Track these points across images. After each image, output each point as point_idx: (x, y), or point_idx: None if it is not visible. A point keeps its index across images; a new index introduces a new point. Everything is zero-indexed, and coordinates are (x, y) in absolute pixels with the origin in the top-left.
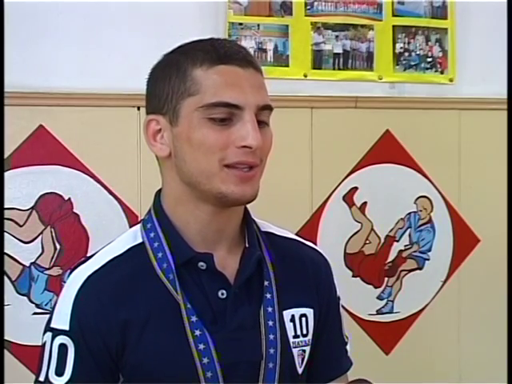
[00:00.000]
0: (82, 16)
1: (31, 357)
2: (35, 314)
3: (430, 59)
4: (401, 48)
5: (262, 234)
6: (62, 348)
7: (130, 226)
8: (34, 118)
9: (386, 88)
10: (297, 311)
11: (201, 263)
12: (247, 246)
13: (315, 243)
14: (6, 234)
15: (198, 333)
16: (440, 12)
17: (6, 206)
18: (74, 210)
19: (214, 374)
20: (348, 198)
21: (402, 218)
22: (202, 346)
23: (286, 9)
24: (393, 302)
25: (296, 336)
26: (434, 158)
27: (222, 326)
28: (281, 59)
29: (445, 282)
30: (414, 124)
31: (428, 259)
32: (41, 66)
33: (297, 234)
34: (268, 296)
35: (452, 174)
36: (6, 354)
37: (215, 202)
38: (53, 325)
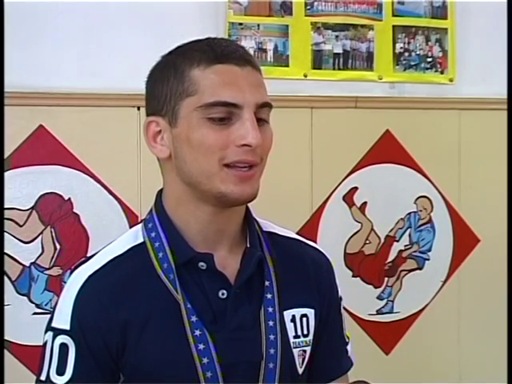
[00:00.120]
0: (82, 16)
1: (31, 357)
2: (35, 314)
3: (429, 59)
4: (401, 48)
5: (264, 234)
6: (63, 347)
7: (130, 226)
8: (34, 118)
9: (386, 88)
10: (298, 311)
11: (201, 263)
12: (248, 246)
13: (315, 243)
14: (6, 233)
15: (197, 333)
16: (440, 12)
17: (6, 206)
18: (74, 210)
19: (214, 374)
20: (348, 198)
21: (402, 218)
22: (201, 346)
23: (286, 9)
24: (393, 301)
25: (296, 336)
26: (434, 158)
27: (222, 326)
28: (281, 59)
29: (445, 282)
30: (414, 124)
31: (428, 259)
32: (41, 66)
33: (297, 234)
34: (268, 296)
35: (452, 174)
36: (6, 353)
37: (215, 203)
38: (54, 324)
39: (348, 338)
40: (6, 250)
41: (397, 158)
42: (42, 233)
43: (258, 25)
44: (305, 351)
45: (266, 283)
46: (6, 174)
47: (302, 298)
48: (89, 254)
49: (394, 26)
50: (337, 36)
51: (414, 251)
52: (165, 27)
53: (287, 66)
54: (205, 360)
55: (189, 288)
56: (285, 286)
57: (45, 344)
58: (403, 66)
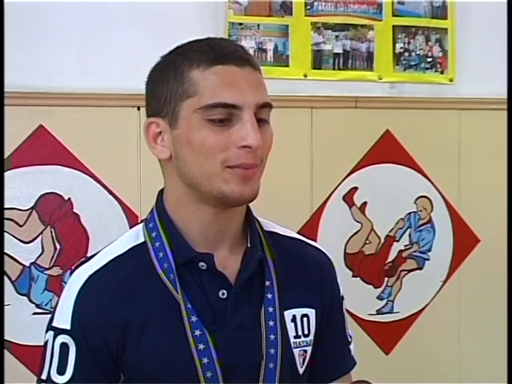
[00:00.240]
0: (82, 16)
1: (31, 357)
2: (35, 314)
3: (429, 59)
4: (401, 48)
5: (265, 234)
6: (64, 347)
7: (130, 226)
8: (34, 117)
9: (386, 88)
10: (298, 311)
11: (201, 263)
12: (249, 245)
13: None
14: (6, 233)
15: (197, 333)
16: (440, 12)
17: (6, 206)
18: (74, 210)
19: (214, 374)
20: (348, 198)
21: (402, 218)
22: (201, 346)
23: (286, 9)
24: (393, 301)
25: (297, 336)
26: (434, 158)
27: (222, 325)
28: (281, 59)
29: (445, 282)
30: (414, 124)
31: (428, 259)
32: (41, 66)
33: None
34: (269, 296)
35: (452, 174)
36: (6, 354)
37: (216, 203)
38: (54, 324)
39: (351, 337)
40: (6, 250)
41: (397, 158)
42: (41, 233)
43: (258, 25)
44: (305, 351)
45: (267, 283)
46: (6, 174)
47: (302, 298)
48: (89, 254)
49: (394, 26)
50: (337, 36)
51: (414, 251)
52: (165, 27)
53: (287, 66)
54: (205, 360)
55: (189, 288)
56: (285, 285)
57: (45, 343)
58: (403, 66)
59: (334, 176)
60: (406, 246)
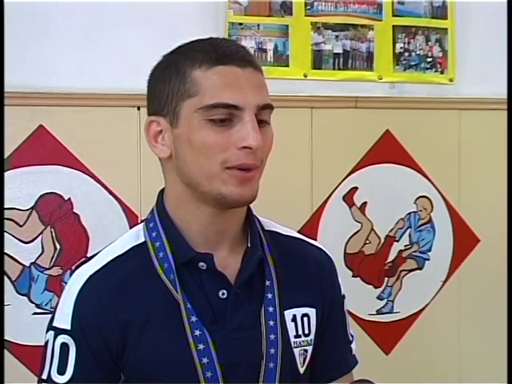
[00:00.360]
0: (82, 16)
1: (31, 357)
2: (35, 314)
3: (429, 59)
4: (401, 48)
5: (266, 233)
6: (64, 347)
7: (130, 226)
8: (34, 117)
9: (386, 88)
10: (298, 311)
11: (201, 263)
12: (249, 245)
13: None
14: (6, 233)
15: (197, 333)
16: (440, 12)
17: (6, 206)
18: (74, 210)
19: (214, 374)
20: (348, 198)
21: (402, 218)
22: (201, 346)
23: (286, 9)
24: (393, 302)
25: (297, 336)
26: (434, 158)
27: (222, 325)
28: (281, 59)
29: (445, 282)
30: (414, 124)
31: (428, 259)
32: (41, 66)
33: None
34: (269, 296)
35: (452, 174)
36: (6, 354)
37: (215, 204)
38: (55, 324)
39: (352, 336)
40: (6, 250)
41: (397, 158)
42: (42, 233)
43: (258, 25)
44: (306, 351)
45: (267, 283)
46: (6, 174)
47: (303, 298)
48: (89, 254)
49: (394, 26)
50: (337, 36)
51: (414, 251)
52: (165, 27)
53: (287, 66)
54: (205, 360)
55: (189, 288)
56: (286, 285)
57: (46, 343)
58: (403, 66)
59: (334, 176)
60: (405, 245)
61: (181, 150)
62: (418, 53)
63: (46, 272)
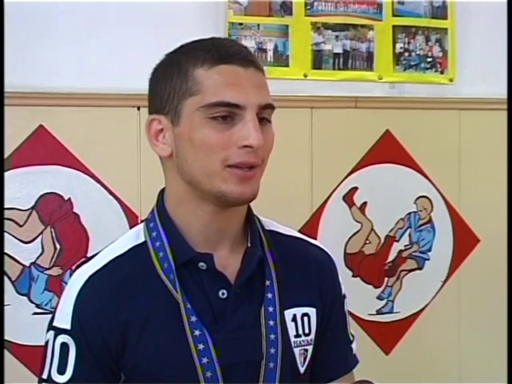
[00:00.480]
0: (82, 16)
1: (31, 357)
2: (35, 314)
3: (430, 59)
4: (401, 48)
5: (266, 233)
6: (64, 347)
7: (130, 226)
8: (34, 117)
9: (386, 88)
10: (299, 310)
11: (201, 263)
12: (249, 245)
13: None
14: (6, 233)
15: (197, 333)
16: (440, 12)
17: (6, 206)
18: (74, 210)
19: (214, 374)
20: (348, 198)
21: (402, 218)
22: (201, 346)
23: (286, 9)
24: (393, 302)
25: (298, 335)
26: (434, 158)
27: (222, 325)
28: (281, 59)
29: (445, 282)
30: (414, 124)
31: (428, 259)
32: (41, 66)
33: None
34: (269, 296)
35: (452, 174)
36: (6, 354)
37: (215, 202)
38: (55, 323)
39: (353, 336)
40: (6, 250)
41: (397, 158)
42: (41, 233)
43: (258, 25)
44: (306, 350)
45: (267, 283)
46: (6, 174)
47: (303, 298)
48: (89, 254)
49: (394, 26)
50: (337, 36)
51: (414, 251)
52: (165, 27)
53: (287, 66)
54: (204, 360)
55: (189, 288)
56: (286, 285)
57: (46, 343)
58: (403, 66)
59: (334, 176)
60: (405, 246)
61: (182, 149)
62: (418, 53)
63: (46, 272)
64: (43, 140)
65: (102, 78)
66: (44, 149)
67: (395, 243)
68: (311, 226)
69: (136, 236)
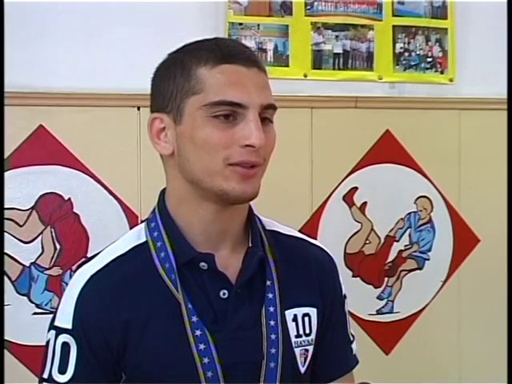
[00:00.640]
0: (82, 16)
1: (31, 357)
2: (35, 314)
3: (430, 59)
4: (401, 48)
5: (267, 233)
6: (65, 346)
7: (131, 226)
8: (34, 118)
9: (386, 88)
10: (299, 311)
11: (202, 263)
12: (250, 245)
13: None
14: (6, 233)
15: (198, 333)
16: (440, 12)
17: (6, 206)
18: (74, 210)
19: (215, 374)
20: (348, 198)
21: (402, 218)
22: (202, 346)
23: (286, 9)
24: (393, 302)
25: (298, 335)
26: (434, 158)
27: (223, 325)
28: (281, 59)
29: (445, 282)
30: (414, 124)
31: (428, 259)
32: (41, 66)
33: None
34: (270, 296)
35: (452, 174)
36: (6, 354)
37: (217, 200)
38: (56, 323)
39: (353, 336)
40: (6, 250)
41: (397, 158)
42: (41, 233)
43: (258, 25)
44: (307, 350)
45: (268, 283)
46: (6, 174)
47: (304, 298)
48: (89, 254)
49: (394, 26)
50: (337, 36)
51: (414, 251)
52: (165, 27)
53: (287, 66)
54: (205, 360)
55: (190, 288)
56: (287, 285)
57: (47, 342)
58: (403, 66)
59: (334, 176)
60: (405, 246)
61: (183, 147)
62: (418, 53)
63: (45, 272)
64: (43, 140)
65: (101, 78)
66: (44, 149)
67: (395, 243)
68: (311, 226)
69: (137, 236)
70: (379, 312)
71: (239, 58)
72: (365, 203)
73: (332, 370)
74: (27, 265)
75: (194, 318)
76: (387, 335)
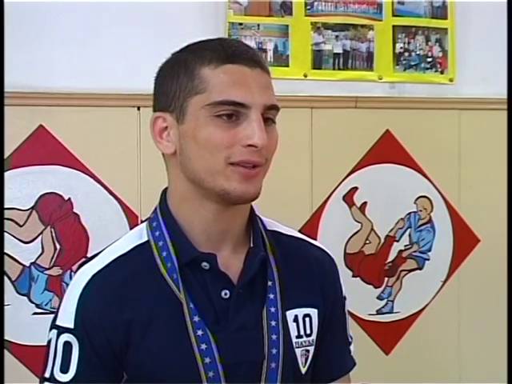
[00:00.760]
0: (82, 16)
1: (31, 357)
2: (35, 314)
3: (430, 59)
4: (401, 48)
5: (268, 233)
6: (67, 346)
7: (131, 226)
8: (34, 118)
9: (386, 88)
10: (300, 311)
11: (204, 263)
12: (251, 245)
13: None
14: (6, 233)
15: (200, 333)
16: (440, 12)
17: (6, 206)
18: (74, 210)
19: (216, 374)
20: (348, 198)
21: (402, 218)
22: (203, 346)
23: (286, 9)
24: (393, 302)
25: (299, 336)
26: (434, 158)
27: (225, 326)
28: (281, 59)
29: (445, 282)
30: (414, 124)
31: (428, 259)
32: (41, 66)
33: None
34: (271, 296)
35: (452, 174)
36: (6, 354)
37: (218, 200)
38: (58, 322)
39: (351, 337)
40: (6, 250)
41: (397, 158)
42: (41, 233)
43: (258, 25)
44: (308, 351)
45: (269, 283)
46: (6, 174)
47: (305, 298)
48: (89, 254)
49: (394, 26)
50: (337, 36)
51: (414, 251)
52: (165, 27)
53: (287, 66)
54: (207, 360)
55: (192, 288)
56: (288, 285)
57: (49, 342)
58: (403, 66)
59: (334, 176)
60: (405, 246)
61: (186, 146)
62: (418, 53)
63: (45, 272)
64: (43, 140)
65: (101, 78)
66: (44, 149)
67: (395, 243)
68: (311, 226)
69: (139, 235)
70: (379, 312)
71: (243, 58)
72: (365, 203)
73: (330, 371)
74: (27, 265)
75: (196, 318)
76: (387, 335)
